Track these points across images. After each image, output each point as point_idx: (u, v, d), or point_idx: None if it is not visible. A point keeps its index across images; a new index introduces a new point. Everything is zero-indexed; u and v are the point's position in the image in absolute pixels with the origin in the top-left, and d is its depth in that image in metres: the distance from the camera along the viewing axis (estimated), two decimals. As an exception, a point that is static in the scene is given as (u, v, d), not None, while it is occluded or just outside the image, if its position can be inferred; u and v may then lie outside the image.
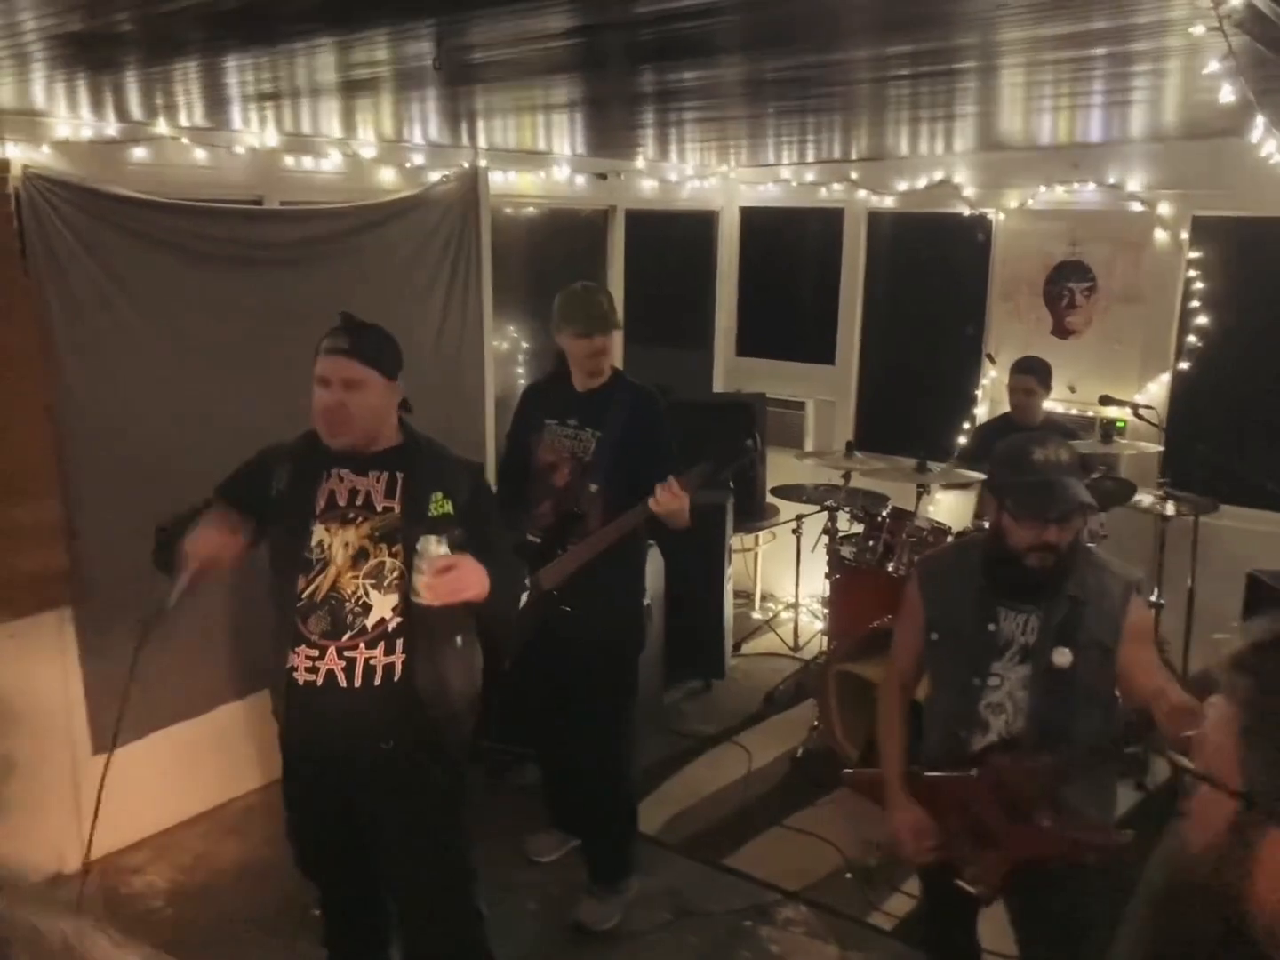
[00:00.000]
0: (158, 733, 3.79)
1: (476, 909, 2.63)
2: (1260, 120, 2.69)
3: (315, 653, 2.38)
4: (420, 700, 2.40)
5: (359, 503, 2.40)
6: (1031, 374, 4.67)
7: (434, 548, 2.24)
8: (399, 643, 2.39)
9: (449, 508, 2.41)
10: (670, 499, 3.04)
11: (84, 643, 3.57)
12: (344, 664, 2.37)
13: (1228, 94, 2.14)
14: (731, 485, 3.32)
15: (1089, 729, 2.28)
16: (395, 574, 2.37)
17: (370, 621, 2.37)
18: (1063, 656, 2.26)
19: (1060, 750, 2.27)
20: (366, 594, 2.37)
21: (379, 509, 2.40)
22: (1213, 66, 2.05)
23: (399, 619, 2.37)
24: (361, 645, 2.37)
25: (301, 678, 2.39)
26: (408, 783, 2.46)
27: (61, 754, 3.59)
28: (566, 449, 3.38)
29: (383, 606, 2.37)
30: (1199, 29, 1.90)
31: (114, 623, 3.60)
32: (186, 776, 3.94)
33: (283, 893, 3.40)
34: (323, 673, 2.38)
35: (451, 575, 2.24)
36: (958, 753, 2.39)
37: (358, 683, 2.37)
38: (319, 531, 2.38)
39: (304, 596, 2.38)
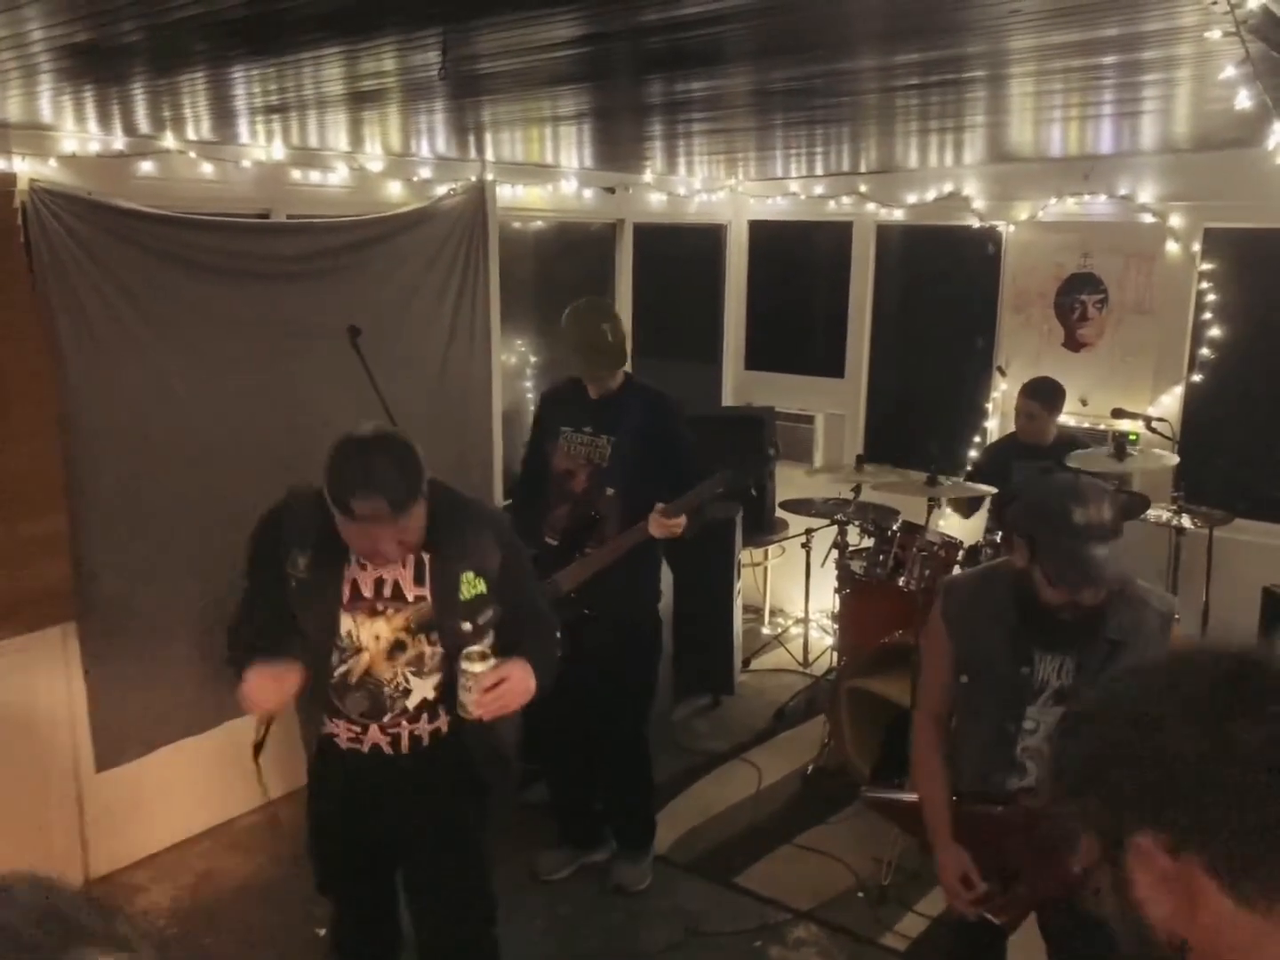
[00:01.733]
0: (162, 749, 3.77)
1: (493, 937, 2.60)
2: (1278, 127, 2.66)
3: (357, 729, 2.35)
4: (472, 760, 2.39)
5: (387, 594, 2.27)
6: (1034, 399, 4.60)
7: (478, 665, 2.18)
8: (441, 708, 2.35)
9: (482, 587, 2.29)
10: (662, 528, 3.20)
11: (88, 659, 3.55)
12: (389, 739, 2.34)
13: (1244, 100, 2.11)
14: (755, 494, 3.37)
15: None
16: (436, 659, 2.31)
17: (412, 703, 2.33)
18: None
19: None
20: (407, 680, 2.31)
21: (410, 599, 2.28)
22: (1229, 72, 2.02)
23: (439, 691, 2.33)
24: (404, 722, 2.34)
25: (345, 744, 2.37)
26: (440, 817, 2.43)
27: (65, 771, 3.57)
28: (582, 455, 3.44)
29: (424, 688, 2.33)
30: (1215, 34, 1.88)
31: (118, 639, 3.59)
32: (190, 793, 3.91)
33: (287, 912, 3.37)
34: (367, 744, 2.35)
35: (500, 690, 2.20)
36: (991, 793, 2.31)
37: (404, 750, 2.35)
38: (346, 621, 2.28)
39: (337, 675, 2.30)
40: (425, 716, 2.34)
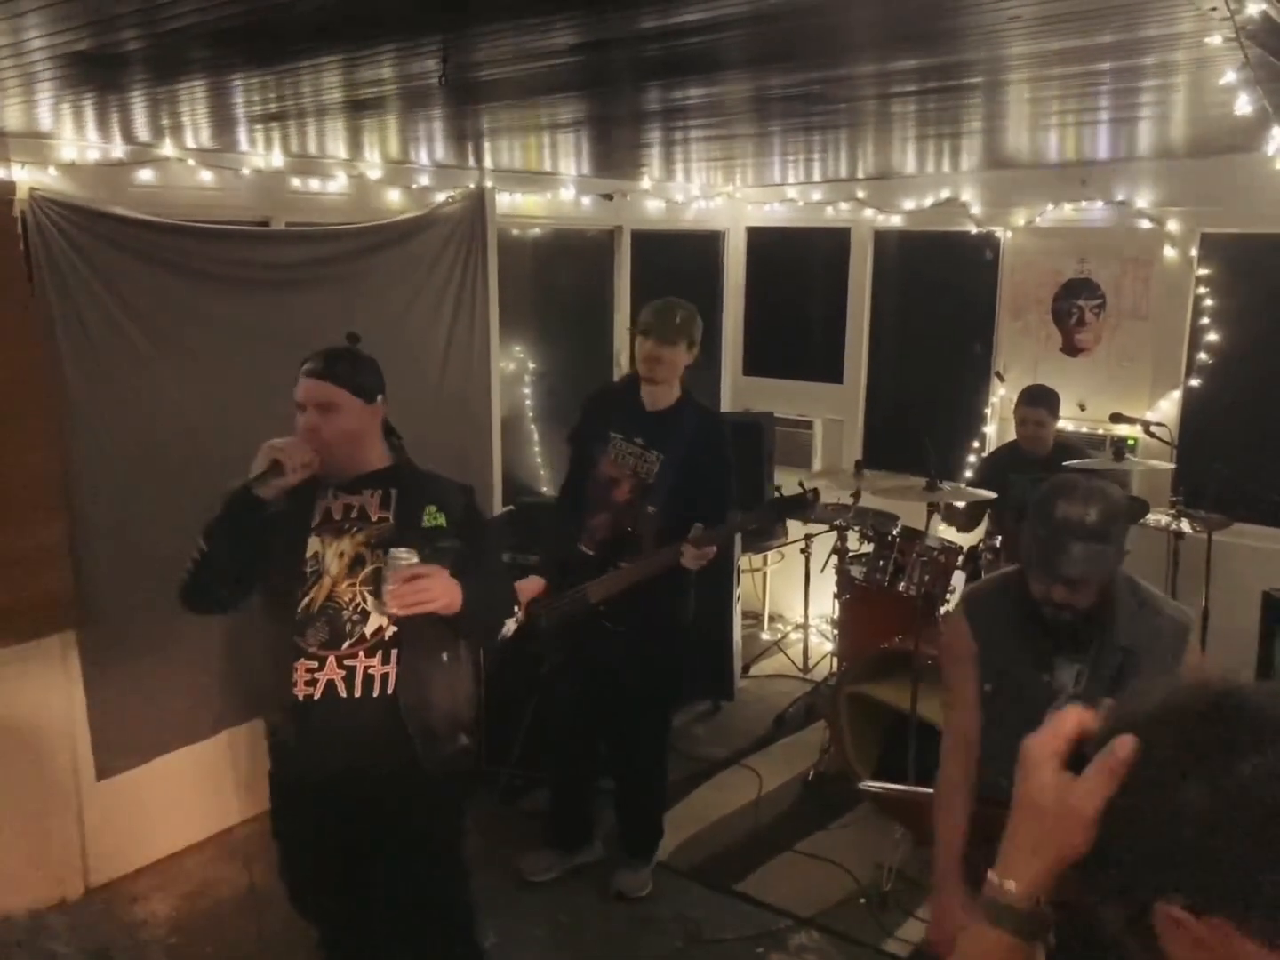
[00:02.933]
0: (161, 758, 3.76)
1: (475, 943, 2.58)
2: (1277, 132, 2.67)
3: (314, 664, 2.36)
4: (399, 714, 2.38)
5: (354, 515, 2.42)
6: (1043, 406, 4.55)
7: (403, 557, 2.25)
8: (395, 653, 2.38)
9: (442, 520, 2.43)
10: (695, 558, 3.24)
11: (88, 667, 3.54)
12: (343, 673, 2.36)
13: (1244, 105, 2.12)
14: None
15: None
16: None
17: (369, 629, 2.37)
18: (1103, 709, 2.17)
19: None
20: (364, 600, 2.37)
21: (374, 519, 2.41)
22: (1229, 77, 2.03)
23: (395, 627, 2.37)
24: (361, 654, 2.36)
25: (301, 692, 2.37)
26: (402, 808, 2.42)
27: (65, 780, 3.56)
28: (629, 466, 3.45)
29: (380, 614, 2.37)
30: (1215, 39, 1.89)
31: (118, 647, 3.58)
32: (190, 802, 3.90)
33: (286, 921, 3.33)
34: (322, 684, 2.36)
35: (417, 584, 2.24)
36: (1000, 796, 2.30)
37: (357, 692, 2.36)
38: (314, 544, 2.39)
39: (300, 609, 2.37)
40: (380, 655, 2.37)
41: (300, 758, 2.46)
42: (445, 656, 2.45)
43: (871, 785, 2.79)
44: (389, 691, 2.37)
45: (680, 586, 3.49)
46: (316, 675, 2.36)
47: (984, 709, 2.31)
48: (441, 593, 2.27)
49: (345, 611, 2.37)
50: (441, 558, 2.34)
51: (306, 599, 2.38)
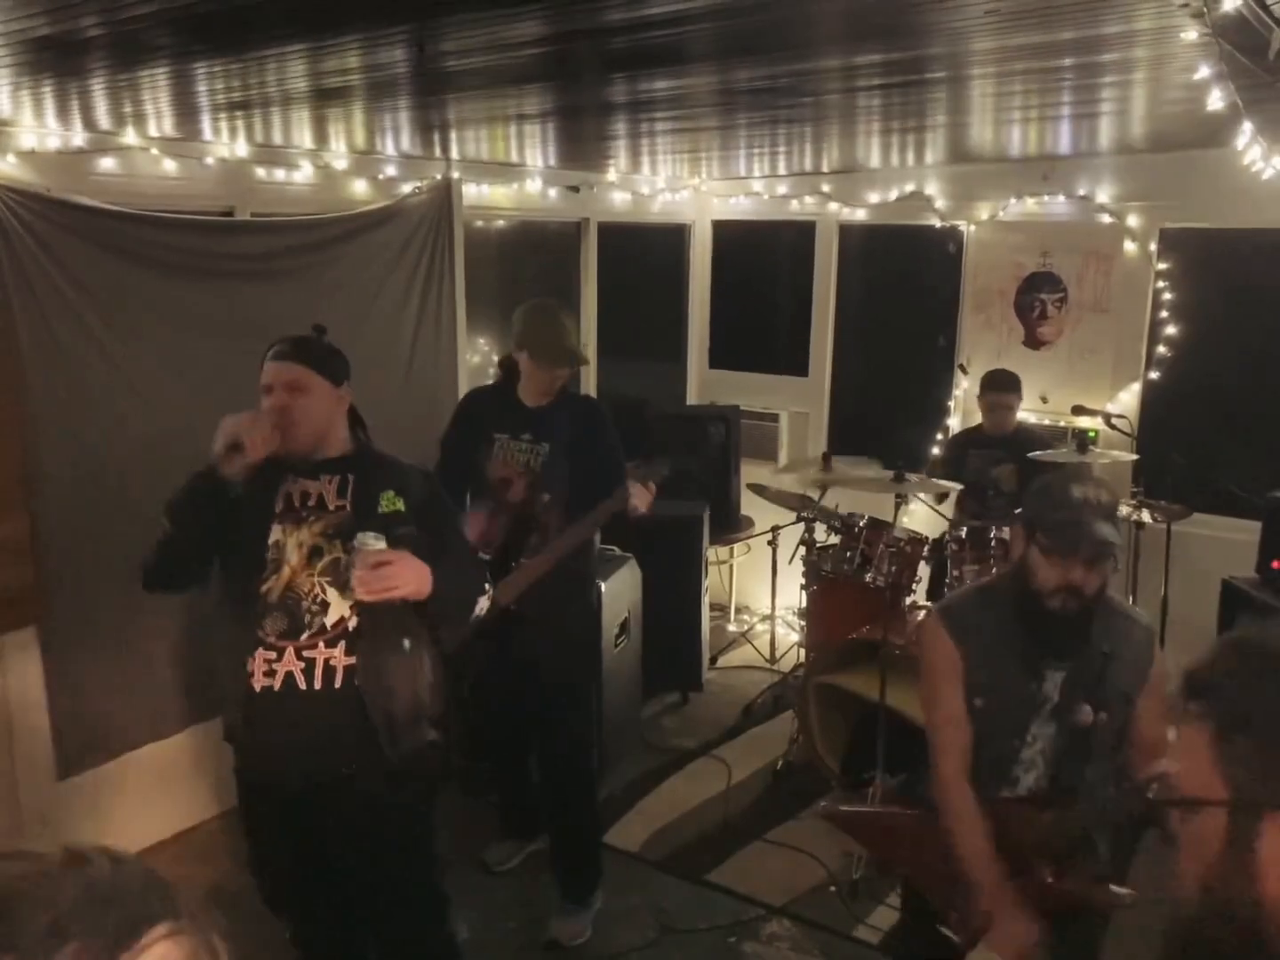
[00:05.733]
0: (126, 756, 3.72)
1: (450, 934, 2.58)
2: (1247, 127, 2.70)
3: (273, 655, 2.33)
4: (360, 705, 2.34)
5: (311, 503, 2.40)
6: (1012, 391, 4.71)
7: (370, 542, 2.23)
8: (359, 645, 2.35)
9: (400, 505, 2.41)
10: (644, 495, 3.24)
11: (49, 663, 3.49)
12: (303, 665, 2.33)
13: (1216, 101, 2.15)
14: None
15: (1098, 777, 2.20)
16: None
17: (330, 620, 2.34)
18: (1085, 715, 2.16)
19: (1069, 808, 2.16)
20: (324, 591, 2.34)
21: (331, 508, 2.39)
22: (1203, 72, 2.06)
23: (357, 618, 2.34)
24: (321, 644, 2.33)
25: (259, 683, 2.33)
26: (370, 803, 2.39)
27: (25, 779, 3.50)
28: (521, 462, 3.37)
29: (341, 604, 2.34)
30: (1191, 35, 1.91)
31: (81, 643, 3.53)
32: (155, 800, 3.85)
33: (255, 918, 3.30)
34: (281, 675, 2.32)
35: (386, 570, 2.22)
36: (980, 803, 2.26)
37: (318, 684, 2.32)
38: (276, 532, 2.37)
39: (260, 599, 2.35)
40: (342, 646, 2.33)
41: (261, 752, 2.42)
42: (406, 644, 2.38)
43: (832, 809, 2.74)
44: (354, 682, 2.33)
45: (588, 569, 3.58)
46: (275, 666, 2.33)
47: (975, 724, 2.27)
48: (412, 577, 2.26)
49: (305, 602, 2.34)
50: (399, 545, 2.30)
51: (265, 587, 2.35)
